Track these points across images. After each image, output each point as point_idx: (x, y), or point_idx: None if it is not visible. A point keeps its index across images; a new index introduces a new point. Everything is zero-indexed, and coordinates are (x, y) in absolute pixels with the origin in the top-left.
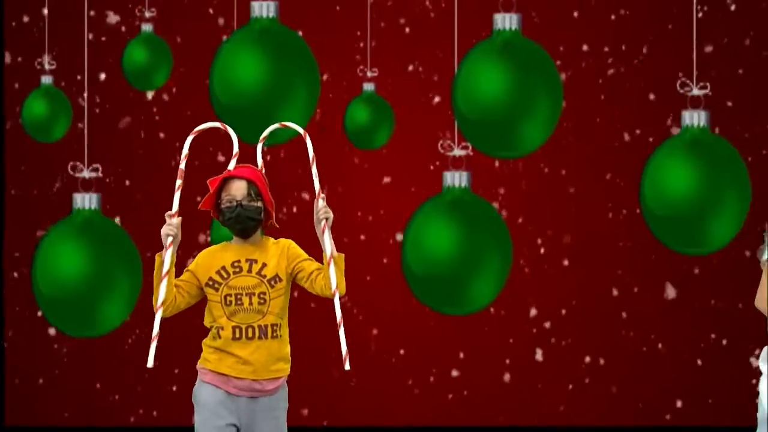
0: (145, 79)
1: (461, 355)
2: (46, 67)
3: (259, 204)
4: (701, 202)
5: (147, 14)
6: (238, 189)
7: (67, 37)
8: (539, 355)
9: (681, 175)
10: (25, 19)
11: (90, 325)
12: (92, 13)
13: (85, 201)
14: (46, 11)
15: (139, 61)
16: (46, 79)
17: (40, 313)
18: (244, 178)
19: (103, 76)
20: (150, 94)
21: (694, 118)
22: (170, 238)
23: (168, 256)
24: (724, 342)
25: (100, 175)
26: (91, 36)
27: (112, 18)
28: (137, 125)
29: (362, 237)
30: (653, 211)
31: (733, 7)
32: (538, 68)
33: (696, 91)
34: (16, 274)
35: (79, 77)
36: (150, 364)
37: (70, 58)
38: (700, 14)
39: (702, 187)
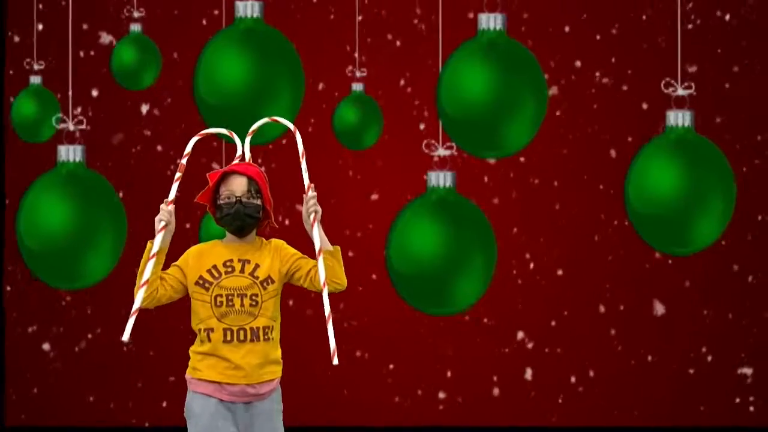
0: (134, 78)
1: (449, 374)
2: (35, 67)
3: (259, 202)
4: (685, 201)
5: (136, 14)
6: (238, 185)
7: (61, 52)
8: (528, 371)
9: (665, 175)
10: (16, 38)
11: (74, 277)
12: (85, 26)
13: (70, 153)
14: (41, 26)
15: (127, 61)
16: (35, 79)
17: (33, 328)
18: (245, 174)
19: (95, 92)
20: (144, 108)
21: (679, 119)
22: (162, 223)
23: (158, 241)
24: (715, 352)
25: (86, 127)
26: (82, 53)
27: (105, 38)
28: (131, 138)
29: (351, 254)
30: (637, 210)
31: (727, 17)
32: (522, 67)
33: (681, 92)
34: (9, 288)
35: (70, 93)
36: (126, 338)
37: (63, 73)
38: (690, 26)
39: (686, 186)
